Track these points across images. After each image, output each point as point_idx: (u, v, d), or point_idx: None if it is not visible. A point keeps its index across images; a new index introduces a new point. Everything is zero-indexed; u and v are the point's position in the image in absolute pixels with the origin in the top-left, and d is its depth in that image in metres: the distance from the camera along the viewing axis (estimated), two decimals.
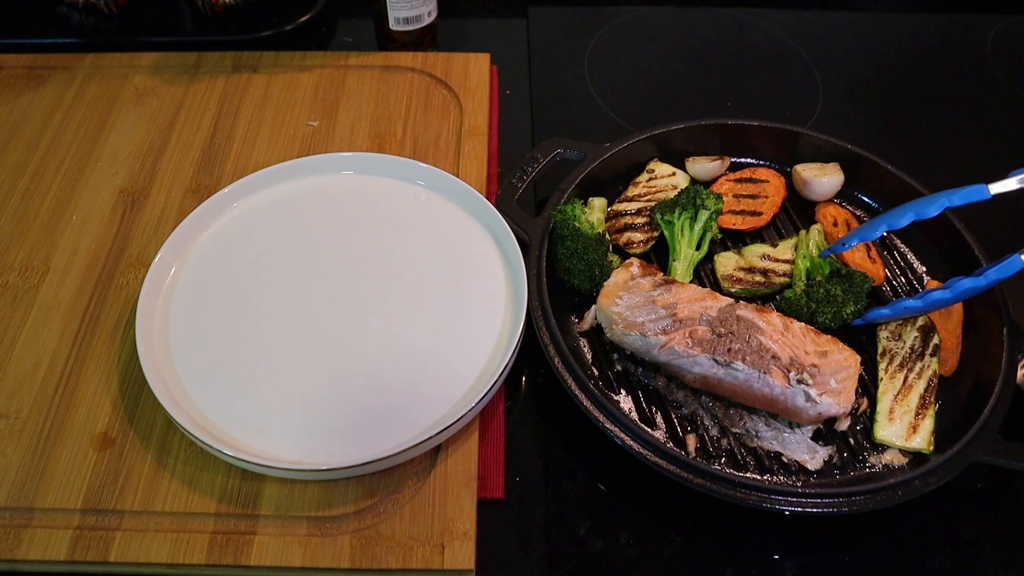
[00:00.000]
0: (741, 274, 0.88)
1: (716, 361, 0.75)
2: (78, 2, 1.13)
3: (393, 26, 1.10)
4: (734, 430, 0.77)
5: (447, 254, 0.86)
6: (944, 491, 0.72)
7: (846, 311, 0.82)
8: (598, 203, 0.92)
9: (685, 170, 0.97)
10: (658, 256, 0.91)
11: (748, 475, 0.74)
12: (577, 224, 0.85)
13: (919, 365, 0.80)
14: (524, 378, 0.84)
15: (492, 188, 0.98)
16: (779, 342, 0.76)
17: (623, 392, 0.80)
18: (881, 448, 0.77)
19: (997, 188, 0.78)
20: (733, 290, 0.87)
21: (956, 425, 0.77)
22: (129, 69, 1.09)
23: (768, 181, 0.95)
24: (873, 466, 0.75)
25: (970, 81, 1.19)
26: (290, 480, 0.72)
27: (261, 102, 1.05)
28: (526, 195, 0.92)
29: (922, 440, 0.76)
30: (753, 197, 0.94)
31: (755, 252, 0.89)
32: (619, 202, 0.94)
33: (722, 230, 0.92)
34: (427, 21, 1.11)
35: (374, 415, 0.74)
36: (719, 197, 0.89)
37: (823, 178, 0.94)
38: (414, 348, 0.79)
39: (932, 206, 0.79)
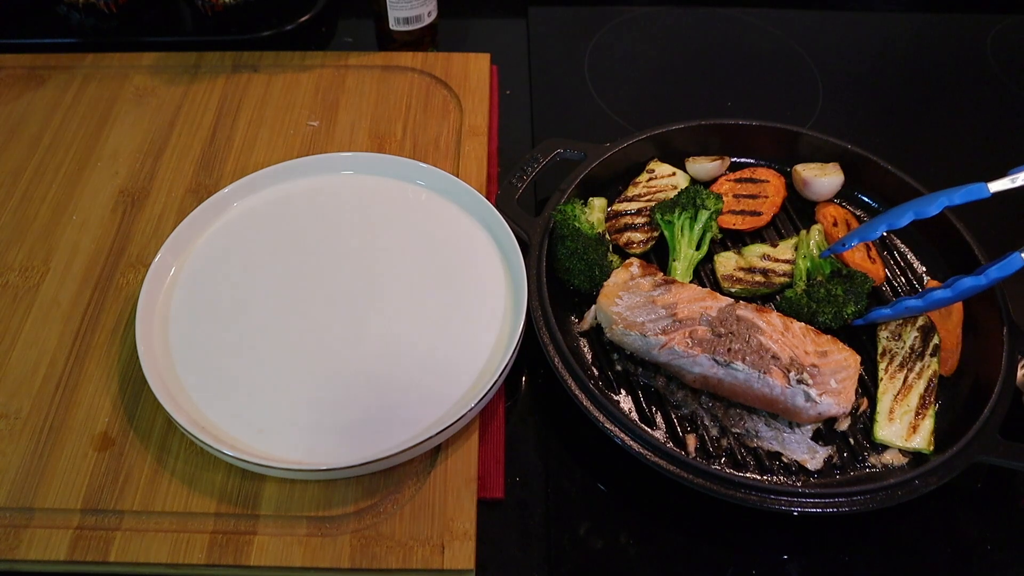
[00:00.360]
0: (741, 274, 0.88)
1: (716, 361, 0.75)
2: (78, 2, 1.13)
3: (393, 26, 1.10)
4: (734, 430, 0.77)
5: (447, 254, 0.86)
6: (944, 491, 0.72)
7: (847, 311, 0.82)
8: (598, 203, 0.92)
9: (685, 170, 0.97)
10: (658, 256, 0.91)
11: (748, 475, 0.74)
12: (577, 224, 0.85)
13: (919, 365, 0.80)
14: (524, 378, 0.84)
15: (492, 188, 0.98)
16: (779, 342, 0.76)
17: (623, 392, 0.80)
18: (881, 448, 0.76)
19: (997, 186, 0.77)
20: (733, 290, 0.87)
21: (956, 425, 0.76)
22: (129, 69, 1.09)
23: (768, 181, 0.95)
24: (873, 466, 0.75)
25: (970, 81, 1.19)
26: (290, 480, 0.72)
27: (261, 102, 1.05)
28: (526, 195, 0.92)
29: (922, 440, 0.76)
30: (753, 197, 0.94)
31: (755, 252, 0.89)
32: (619, 202, 0.94)
33: (722, 230, 0.92)
34: (427, 21, 1.11)
35: (374, 415, 0.74)
36: (719, 197, 0.89)
37: (823, 178, 0.94)
38: (414, 348, 0.79)
39: (932, 205, 0.79)
